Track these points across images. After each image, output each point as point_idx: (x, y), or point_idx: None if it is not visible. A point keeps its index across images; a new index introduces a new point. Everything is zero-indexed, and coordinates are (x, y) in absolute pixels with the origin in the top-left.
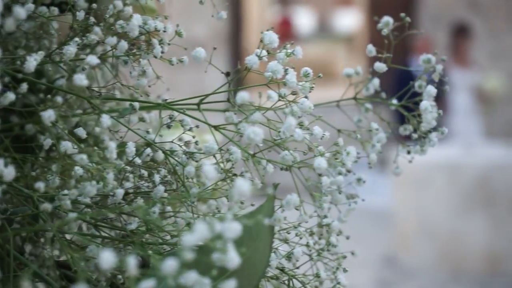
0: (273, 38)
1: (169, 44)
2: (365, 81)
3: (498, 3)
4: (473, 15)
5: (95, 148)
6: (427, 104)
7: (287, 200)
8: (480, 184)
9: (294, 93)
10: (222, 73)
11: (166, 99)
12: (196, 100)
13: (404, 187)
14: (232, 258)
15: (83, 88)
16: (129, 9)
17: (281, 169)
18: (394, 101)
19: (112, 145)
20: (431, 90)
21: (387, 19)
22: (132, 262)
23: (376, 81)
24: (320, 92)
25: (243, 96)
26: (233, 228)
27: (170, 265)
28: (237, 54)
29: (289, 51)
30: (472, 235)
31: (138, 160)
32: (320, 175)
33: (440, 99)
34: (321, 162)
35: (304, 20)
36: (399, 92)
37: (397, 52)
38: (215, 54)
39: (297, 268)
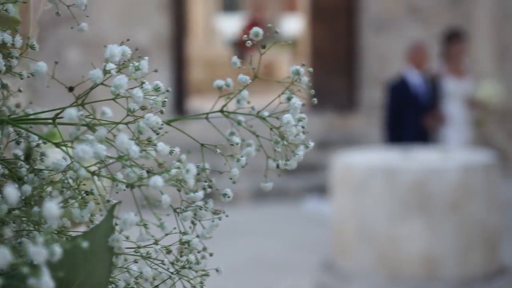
0: (114, 51)
1: (17, 57)
2: (235, 92)
3: (438, 9)
4: (413, 21)
5: None
6: (289, 117)
7: (123, 220)
8: (416, 189)
9: (143, 108)
10: (66, 87)
11: (10, 115)
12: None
13: (343, 192)
14: (46, 283)
15: None
16: None
17: (127, 186)
18: (265, 114)
19: None
20: (296, 102)
21: (256, 30)
22: None
23: (245, 93)
24: (261, 98)
25: (70, 113)
26: (42, 252)
27: None
28: (180, 61)
29: (136, 64)
30: (409, 239)
31: None
32: (180, 190)
33: (435, 109)
34: (156, 181)
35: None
36: (391, 101)
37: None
38: (158, 61)
39: (156, 286)
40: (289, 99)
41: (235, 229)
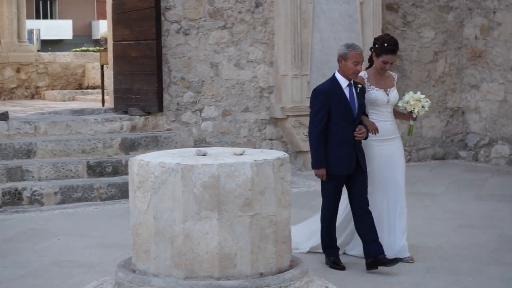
0: None
1: None
2: None
3: (239, 12)
4: (217, 23)
5: None
6: None
7: None
8: (211, 187)
9: None
10: None
11: None
12: None
13: (140, 192)
14: None
15: None
16: None
17: None
18: None
19: None
20: None
21: None
22: None
23: None
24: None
25: None
26: None
27: None
28: None
29: None
30: (205, 237)
31: None
32: None
33: (365, 119)
34: None
35: (67, 30)
36: (321, 107)
37: None
38: None
39: None
40: None
41: (41, 231)
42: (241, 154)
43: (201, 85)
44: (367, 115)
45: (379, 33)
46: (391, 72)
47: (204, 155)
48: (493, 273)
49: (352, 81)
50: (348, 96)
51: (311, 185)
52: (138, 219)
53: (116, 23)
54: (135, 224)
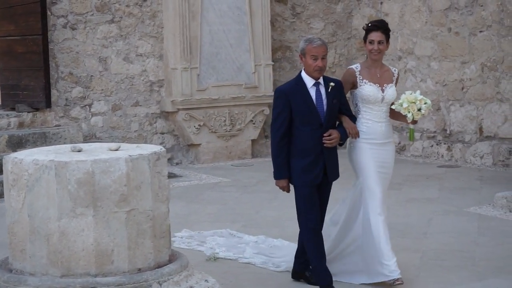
0: None
1: None
2: None
3: (126, 5)
4: (104, 19)
5: None
6: None
7: None
8: (86, 183)
9: None
10: None
11: None
12: None
13: (15, 190)
14: None
15: None
16: None
17: None
18: None
19: None
20: None
21: None
22: None
23: None
24: None
25: None
26: None
27: None
28: None
29: None
30: (81, 234)
31: None
32: None
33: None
34: None
35: None
36: (283, 109)
37: None
38: None
39: None
40: None
41: None
42: (116, 150)
43: (89, 80)
44: (351, 116)
45: (268, 24)
46: (391, 67)
47: (79, 151)
48: None
49: (322, 79)
50: (314, 97)
51: (202, 178)
52: (14, 218)
53: (1, 18)
54: (10, 222)
